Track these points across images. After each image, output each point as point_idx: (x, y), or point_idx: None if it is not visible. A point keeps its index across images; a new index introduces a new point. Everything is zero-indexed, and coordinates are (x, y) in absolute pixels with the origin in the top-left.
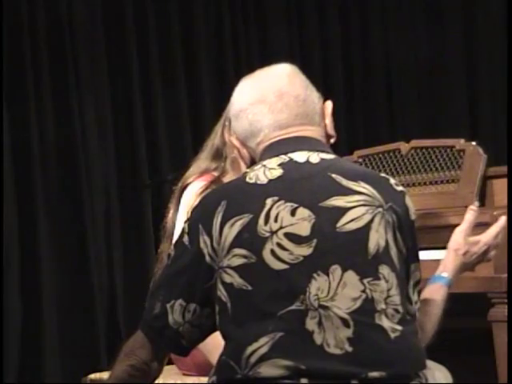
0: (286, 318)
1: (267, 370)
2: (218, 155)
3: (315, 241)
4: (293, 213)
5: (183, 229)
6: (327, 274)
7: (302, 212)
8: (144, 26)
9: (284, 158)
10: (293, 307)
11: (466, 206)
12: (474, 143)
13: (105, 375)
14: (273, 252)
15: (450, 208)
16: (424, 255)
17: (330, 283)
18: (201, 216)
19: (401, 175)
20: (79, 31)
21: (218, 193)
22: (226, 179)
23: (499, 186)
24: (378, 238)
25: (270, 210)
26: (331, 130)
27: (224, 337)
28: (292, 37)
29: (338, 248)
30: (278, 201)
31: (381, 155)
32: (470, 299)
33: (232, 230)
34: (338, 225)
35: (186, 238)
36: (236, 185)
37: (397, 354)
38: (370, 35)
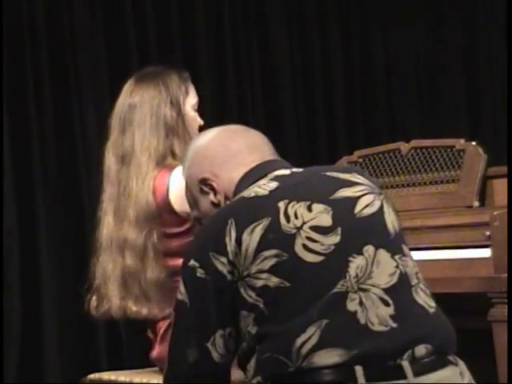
0: (328, 302)
1: (321, 359)
2: (171, 133)
3: (340, 228)
4: (309, 209)
5: (190, 267)
6: (362, 254)
7: (318, 207)
8: (144, 25)
9: (270, 176)
10: (334, 290)
11: (466, 206)
12: (473, 143)
13: (105, 375)
14: (305, 246)
15: (450, 208)
16: (424, 255)
17: (366, 261)
18: (208, 242)
19: (401, 175)
20: (79, 31)
21: (218, 216)
22: (180, 152)
23: (499, 186)
24: (392, 221)
25: (286, 210)
26: None
27: (260, 338)
28: (292, 37)
29: (362, 231)
30: (289, 202)
31: (381, 155)
32: (470, 299)
33: (253, 236)
34: (356, 211)
35: (200, 273)
36: (236, 203)
37: (438, 328)
38: (370, 35)
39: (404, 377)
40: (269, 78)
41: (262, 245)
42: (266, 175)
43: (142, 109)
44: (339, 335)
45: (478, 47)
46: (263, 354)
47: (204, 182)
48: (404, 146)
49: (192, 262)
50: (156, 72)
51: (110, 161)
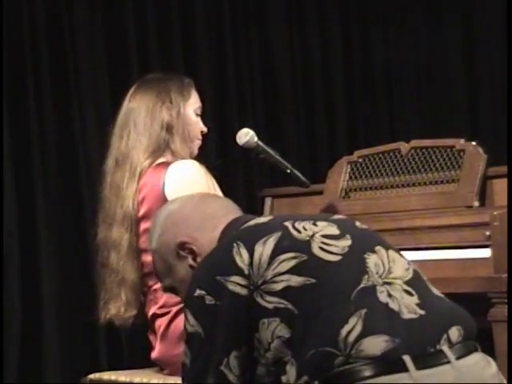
0: (360, 296)
1: (369, 347)
2: (163, 133)
3: (348, 235)
4: (315, 224)
5: (196, 297)
6: (375, 253)
7: (321, 223)
8: (144, 26)
9: (259, 218)
10: (362, 285)
11: (466, 206)
12: (473, 143)
13: (105, 375)
14: (321, 248)
15: (450, 208)
16: (424, 255)
17: (381, 258)
18: (214, 270)
19: (401, 175)
20: (79, 31)
21: (219, 247)
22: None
23: (499, 186)
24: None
25: (293, 226)
26: None
27: (299, 338)
28: (292, 37)
29: (369, 237)
30: (294, 222)
31: (381, 155)
32: (470, 299)
33: (267, 246)
34: (357, 225)
35: (208, 300)
36: (237, 232)
37: (461, 312)
38: (370, 35)
39: (447, 361)
40: (269, 78)
41: (277, 251)
42: (248, 221)
43: (138, 111)
44: (380, 323)
45: (478, 47)
46: (307, 353)
47: (182, 246)
48: (404, 146)
49: (198, 292)
50: (157, 78)
51: (108, 166)
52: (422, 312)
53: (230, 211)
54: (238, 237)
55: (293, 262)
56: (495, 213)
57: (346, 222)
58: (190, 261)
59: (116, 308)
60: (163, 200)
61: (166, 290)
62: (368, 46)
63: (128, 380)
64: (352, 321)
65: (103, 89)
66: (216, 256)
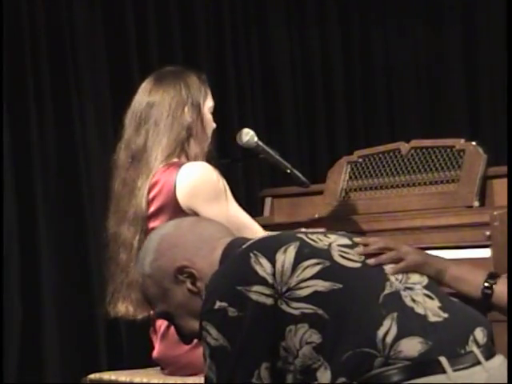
0: (388, 301)
1: (406, 348)
2: (182, 135)
3: (361, 245)
4: (326, 236)
5: (217, 310)
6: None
7: (332, 235)
8: (144, 25)
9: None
10: (386, 291)
11: (466, 206)
12: (473, 143)
13: (105, 375)
14: (341, 256)
15: (450, 208)
16: None
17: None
18: (234, 280)
19: (401, 175)
20: (79, 31)
21: (234, 258)
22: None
23: (499, 186)
24: None
25: (307, 236)
26: None
27: (331, 342)
28: (292, 37)
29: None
30: (306, 233)
31: (381, 155)
32: (470, 299)
33: (288, 254)
34: (357, 241)
35: (231, 311)
36: (251, 243)
37: (478, 314)
38: (370, 35)
39: (478, 362)
40: (269, 78)
41: (299, 258)
42: (250, 240)
43: (159, 108)
44: (412, 325)
45: (478, 47)
46: (342, 355)
47: (181, 270)
48: (404, 146)
49: (219, 304)
50: (176, 72)
51: (121, 159)
52: (446, 315)
53: (225, 234)
54: (253, 247)
55: (317, 268)
56: (495, 213)
57: (351, 236)
58: (189, 285)
59: (125, 308)
60: (174, 200)
61: (159, 316)
62: (368, 45)
63: (128, 380)
64: (386, 323)
65: (103, 89)
66: (233, 267)
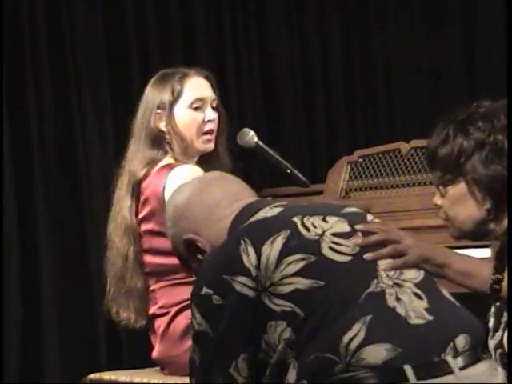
0: (368, 300)
1: (370, 356)
2: (157, 142)
3: (359, 233)
4: (324, 220)
5: (203, 296)
6: None
7: (331, 218)
8: (144, 25)
9: (270, 206)
10: (370, 290)
11: None
12: None
13: (105, 375)
14: (331, 248)
15: None
16: None
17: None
18: (221, 267)
19: (401, 175)
20: (79, 31)
21: (227, 242)
22: (180, 157)
23: None
24: None
25: (302, 222)
26: None
27: (302, 342)
28: (292, 37)
29: None
30: (303, 217)
31: (381, 155)
32: (471, 299)
33: (274, 246)
34: (368, 220)
35: (215, 299)
36: (245, 227)
37: (470, 319)
38: (370, 35)
39: (451, 371)
40: (269, 78)
41: (285, 252)
42: (264, 207)
43: (136, 118)
44: (384, 330)
45: (478, 47)
46: (308, 357)
47: (187, 243)
48: (404, 146)
49: (205, 290)
50: (156, 77)
51: (119, 171)
52: (430, 318)
53: (237, 198)
54: (245, 233)
55: (301, 264)
56: None
57: (358, 217)
58: (198, 256)
59: (126, 317)
60: (163, 203)
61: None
62: (368, 45)
63: (128, 380)
64: (356, 327)
65: (103, 89)
66: (223, 253)
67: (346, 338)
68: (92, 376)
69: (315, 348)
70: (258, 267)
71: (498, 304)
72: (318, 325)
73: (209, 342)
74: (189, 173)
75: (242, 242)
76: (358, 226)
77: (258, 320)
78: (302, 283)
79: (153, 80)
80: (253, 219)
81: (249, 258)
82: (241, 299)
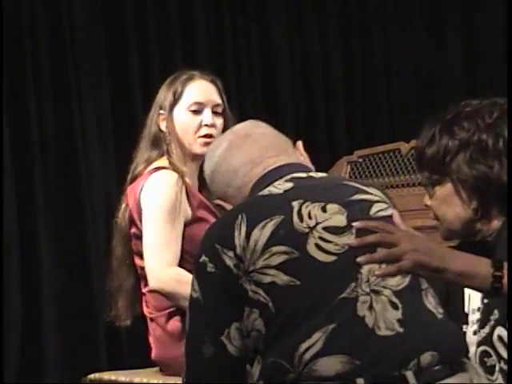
0: (338, 307)
1: (323, 368)
2: (156, 142)
3: (354, 229)
4: (324, 209)
5: (201, 263)
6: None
7: (332, 207)
8: (144, 26)
9: (286, 177)
10: (344, 295)
11: None
12: None
13: (105, 375)
14: (318, 246)
15: None
16: None
17: (380, 264)
18: (216, 236)
19: (401, 175)
20: (79, 31)
21: (230, 212)
22: (175, 159)
23: None
24: None
25: (300, 209)
26: (309, 164)
27: (268, 340)
28: (292, 37)
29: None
30: (304, 202)
31: (381, 155)
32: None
33: (264, 232)
34: (371, 212)
35: (209, 267)
36: (249, 200)
37: (446, 334)
38: (370, 35)
39: None
40: (269, 78)
41: (272, 240)
42: (280, 177)
43: (148, 116)
44: (344, 341)
45: (478, 47)
46: (268, 359)
47: (217, 207)
48: (404, 146)
49: (203, 258)
50: (175, 75)
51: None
52: (401, 330)
53: (256, 162)
54: (245, 208)
55: (282, 258)
56: None
57: (363, 207)
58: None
59: (114, 315)
60: (139, 206)
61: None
62: (368, 45)
63: (128, 380)
64: (315, 336)
65: (103, 89)
66: (221, 223)
67: (303, 347)
68: (92, 376)
69: (275, 351)
70: (244, 248)
71: (486, 301)
72: (284, 326)
73: (200, 308)
74: (161, 178)
75: (239, 216)
76: (355, 223)
77: (237, 299)
78: (281, 278)
79: (168, 79)
80: (259, 193)
81: (240, 236)
82: (227, 272)
